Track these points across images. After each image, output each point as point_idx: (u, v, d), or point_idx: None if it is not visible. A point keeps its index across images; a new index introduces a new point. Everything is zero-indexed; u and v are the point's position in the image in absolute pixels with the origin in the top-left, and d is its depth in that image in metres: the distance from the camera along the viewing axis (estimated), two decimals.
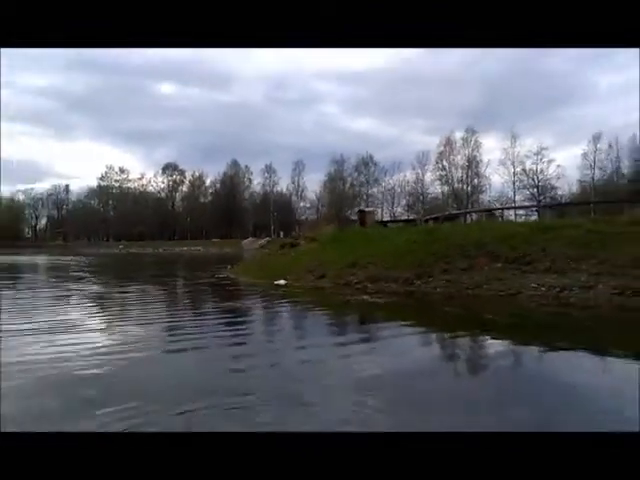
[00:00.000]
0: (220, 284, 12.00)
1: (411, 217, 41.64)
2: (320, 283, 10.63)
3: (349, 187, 67.72)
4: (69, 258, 31.30)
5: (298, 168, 71.50)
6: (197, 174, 79.22)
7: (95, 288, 12.02)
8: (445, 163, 55.43)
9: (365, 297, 8.45)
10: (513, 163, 52.26)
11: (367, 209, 20.37)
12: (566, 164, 54.28)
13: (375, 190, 66.64)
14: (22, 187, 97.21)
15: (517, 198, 52.02)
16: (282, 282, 11.06)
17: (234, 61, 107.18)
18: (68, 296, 10.00)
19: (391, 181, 66.18)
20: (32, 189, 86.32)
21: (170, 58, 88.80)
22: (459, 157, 54.85)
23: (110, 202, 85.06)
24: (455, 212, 26.34)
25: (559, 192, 51.83)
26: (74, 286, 12.01)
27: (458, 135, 55.61)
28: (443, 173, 55.83)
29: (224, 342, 5.13)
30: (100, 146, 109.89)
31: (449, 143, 54.71)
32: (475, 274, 9.47)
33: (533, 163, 51.35)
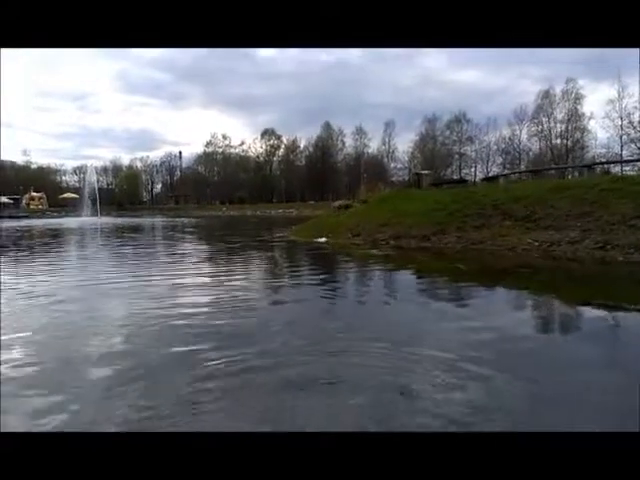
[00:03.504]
0: (269, 240, 14.14)
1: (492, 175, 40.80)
2: (354, 240, 12.19)
3: (441, 146, 66.66)
4: (179, 220, 35.39)
5: (389, 129, 71.73)
6: (292, 139, 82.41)
7: (170, 243, 14.72)
8: (543, 117, 52.65)
9: (373, 251, 9.95)
10: (621, 116, 48.27)
11: (422, 171, 21.14)
12: None
13: (468, 148, 65.08)
14: (139, 155, 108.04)
15: (624, 153, 48.25)
16: (322, 240, 12.79)
17: None
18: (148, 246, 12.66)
19: (486, 138, 64.21)
20: (148, 157, 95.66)
21: None
22: (558, 110, 51.79)
23: (215, 168, 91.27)
24: (508, 172, 25.90)
25: None
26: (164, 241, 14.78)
27: (558, 88, 52.36)
28: (540, 129, 53.16)
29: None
30: (208, 113, 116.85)
31: (547, 96, 51.74)
32: (485, 231, 10.49)
33: None
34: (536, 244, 9.25)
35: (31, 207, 63.99)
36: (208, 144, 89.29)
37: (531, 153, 59.18)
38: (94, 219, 39.02)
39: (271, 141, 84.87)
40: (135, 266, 8.56)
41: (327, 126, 77.89)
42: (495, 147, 63.17)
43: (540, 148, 55.54)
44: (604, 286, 6.29)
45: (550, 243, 9.07)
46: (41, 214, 54.44)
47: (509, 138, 59.60)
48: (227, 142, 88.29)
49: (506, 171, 55.47)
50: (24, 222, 33.86)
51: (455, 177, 52.87)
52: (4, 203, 62.48)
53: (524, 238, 9.59)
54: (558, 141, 53.45)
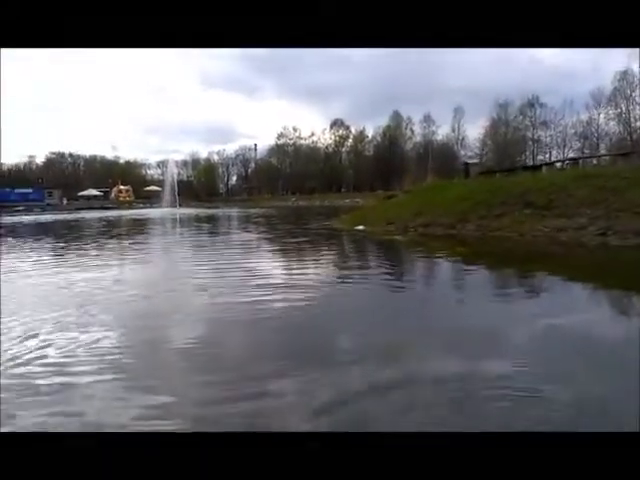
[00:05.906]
0: (314, 228, 15.52)
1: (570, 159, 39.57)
2: (387, 228, 13.27)
3: (514, 131, 64.81)
4: (252, 210, 37.57)
5: (458, 115, 70.66)
6: (360, 129, 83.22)
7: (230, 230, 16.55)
8: (620, 100, 49.88)
9: (398, 237, 11.06)
10: None
11: (471, 161, 21.68)
12: None
13: (543, 134, 62.83)
14: (216, 148, 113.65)
15: None
16: (360, 228, 13.98)
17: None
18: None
19: (562, 122, 61.74)
20: (224, 150, 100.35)
21: None
22: (638, 92, 48.82)
23: (286, 159, 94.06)
24: (547, 162, 25.38)
25: None
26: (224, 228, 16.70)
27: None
28: (618, 112, 50.42)
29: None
30: (280, 104, 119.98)
31: (625, 77, 48.96)
32: (504, 219, 11.24)
33: None
34: (546, 230, 9.95)
35: (120, 199, 69.62)
36: (280, 136, 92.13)
37: (612, 137, 56.29)
38: (174, 210, 42.45)
39: (340, 131, 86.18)
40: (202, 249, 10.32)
41: (396, 115, 77.93)
42: (572, 131, 60.61)
43: (619, 132, 52.71)
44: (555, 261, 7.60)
45: (558, 229, 9.74)
46: (128, 205, 59.58)
47: (587, 122, 57.03)
48: (297, 134, 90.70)
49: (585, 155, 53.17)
50: (114, 212, 37.80)
51: (529, 163, 51.65)
52: (95, 195, 68.83)
53: (537, 225, 10.29)
54: (638, 124, 50.48)
